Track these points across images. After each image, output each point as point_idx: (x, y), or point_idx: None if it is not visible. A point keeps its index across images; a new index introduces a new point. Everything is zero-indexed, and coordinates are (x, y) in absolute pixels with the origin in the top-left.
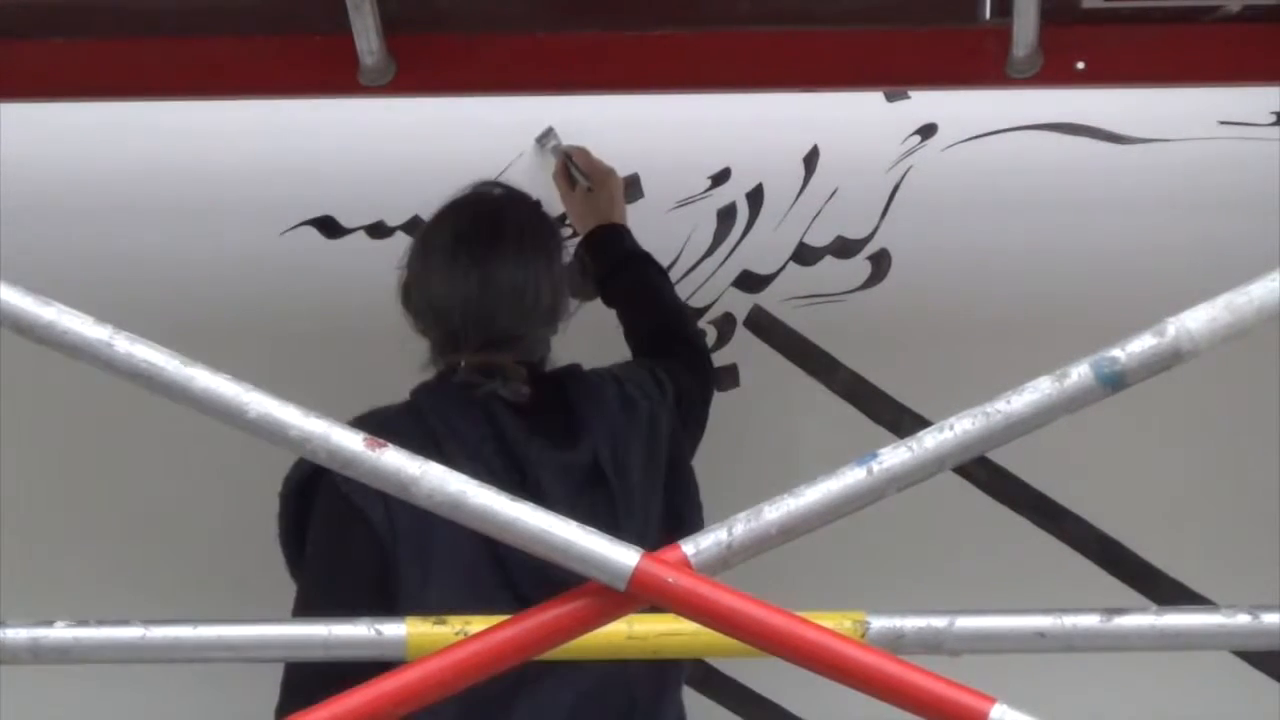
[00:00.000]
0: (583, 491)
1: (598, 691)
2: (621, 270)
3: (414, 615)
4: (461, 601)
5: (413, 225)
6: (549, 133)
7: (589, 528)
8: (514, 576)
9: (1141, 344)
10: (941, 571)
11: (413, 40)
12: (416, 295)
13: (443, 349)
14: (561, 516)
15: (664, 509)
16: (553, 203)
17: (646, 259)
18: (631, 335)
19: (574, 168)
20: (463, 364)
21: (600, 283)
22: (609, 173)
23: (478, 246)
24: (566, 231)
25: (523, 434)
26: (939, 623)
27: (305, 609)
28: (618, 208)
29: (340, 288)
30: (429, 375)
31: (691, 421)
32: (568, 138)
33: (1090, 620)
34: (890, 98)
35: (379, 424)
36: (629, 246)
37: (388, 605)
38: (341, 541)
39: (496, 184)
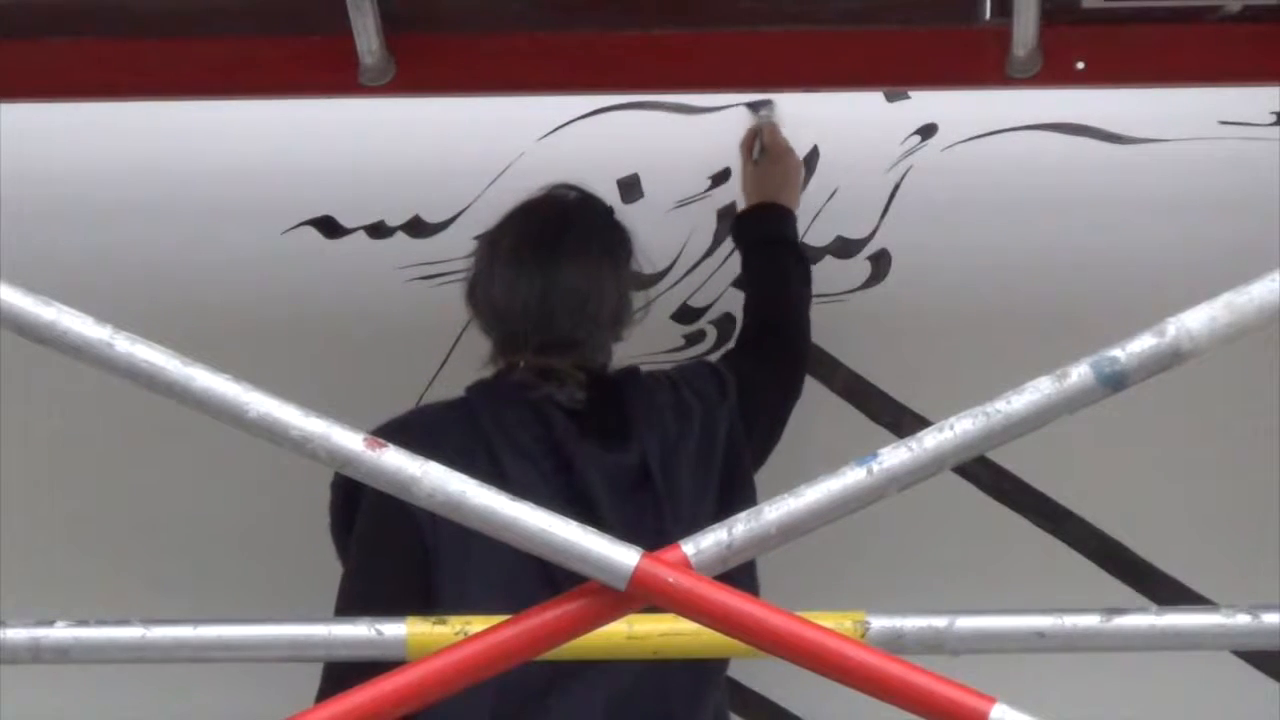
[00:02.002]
0: (631, 493)
1: (632, 692)
2: (764, 250)
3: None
4: (503, 600)
5: (413, 225)
6: (768, 104)
7: (589, 528)
8: (557, 577)
9: (1141, 344)
10: (941, 571)
11: (413, 40)
12: (480, 295)
13: (503, 349)
14: (562, 517)
15: (718, 510)
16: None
17: (793, 246)
18: (746, 313)
19: (758, 140)
20: (521, 365)
21: (743, 257)
22: (787, 151)
23: (542, 250)
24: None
25: (573, 435)
26: (939, 623)
27: (348, 597)
28: (788, 189)
29: (340, 288)
30: (486, 373)
31: (760, 422)
32: (568, 137)
33: (1090, 620)
34: (890, 98)
35: (428, 419)
36: (779, 229)
37: (428, 602)
38: (386, 533)
39: (572, 187)
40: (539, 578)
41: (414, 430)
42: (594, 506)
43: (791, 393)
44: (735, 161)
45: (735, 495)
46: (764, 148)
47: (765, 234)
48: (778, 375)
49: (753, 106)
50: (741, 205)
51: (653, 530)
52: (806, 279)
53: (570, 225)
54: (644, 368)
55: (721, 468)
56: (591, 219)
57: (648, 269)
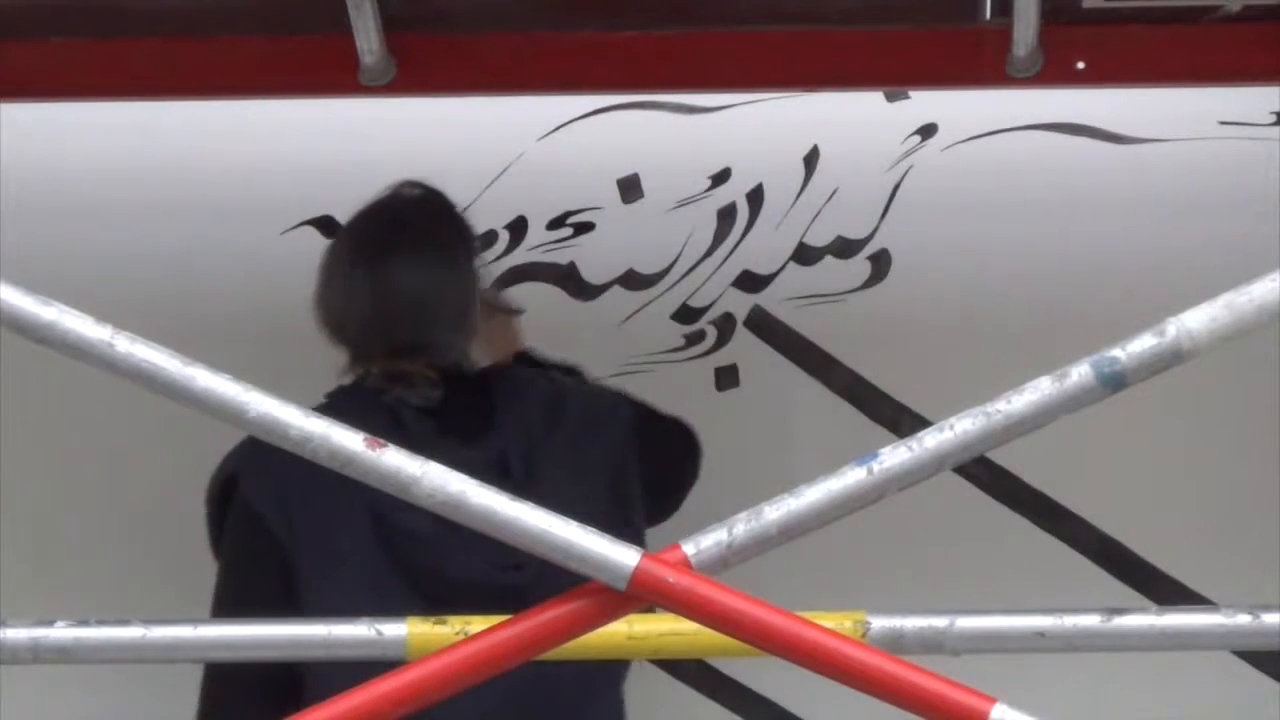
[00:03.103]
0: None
1: (518, 690)
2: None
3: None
4: (365, 604)
5: None
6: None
7: (589, 528)
8: (420, 581)
9: (1141, 344)
10: (941, 571)
11: (413, 40)
12: (319, 307)
13: (353, 358)
14: (562, 516)
15: (608, 517)
16: (557, 201)
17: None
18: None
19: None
20: (374, 371)
21: None
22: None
23: (374, 255)
24: None
25: (429, 433)
26: (939, 623)
27: (218, 612)
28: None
29: None
30: (346, 380)
31: (655, 469)
32: (567, 137)
33: (1090, 620)
34: (890, 98)
35: None
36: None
37: (293, 607)
38: (246, 545)
39: (415, 184)
40: (403, 583)
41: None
42: None
43: (689, 471)
44: (735, 161)
45: (617, 513)
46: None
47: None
48: (675, 451)
49: None
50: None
51: None
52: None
53: (402, 226)
54: (527, 372)
55: (604, 481)
56: (426, 217)
57: (647, 269)
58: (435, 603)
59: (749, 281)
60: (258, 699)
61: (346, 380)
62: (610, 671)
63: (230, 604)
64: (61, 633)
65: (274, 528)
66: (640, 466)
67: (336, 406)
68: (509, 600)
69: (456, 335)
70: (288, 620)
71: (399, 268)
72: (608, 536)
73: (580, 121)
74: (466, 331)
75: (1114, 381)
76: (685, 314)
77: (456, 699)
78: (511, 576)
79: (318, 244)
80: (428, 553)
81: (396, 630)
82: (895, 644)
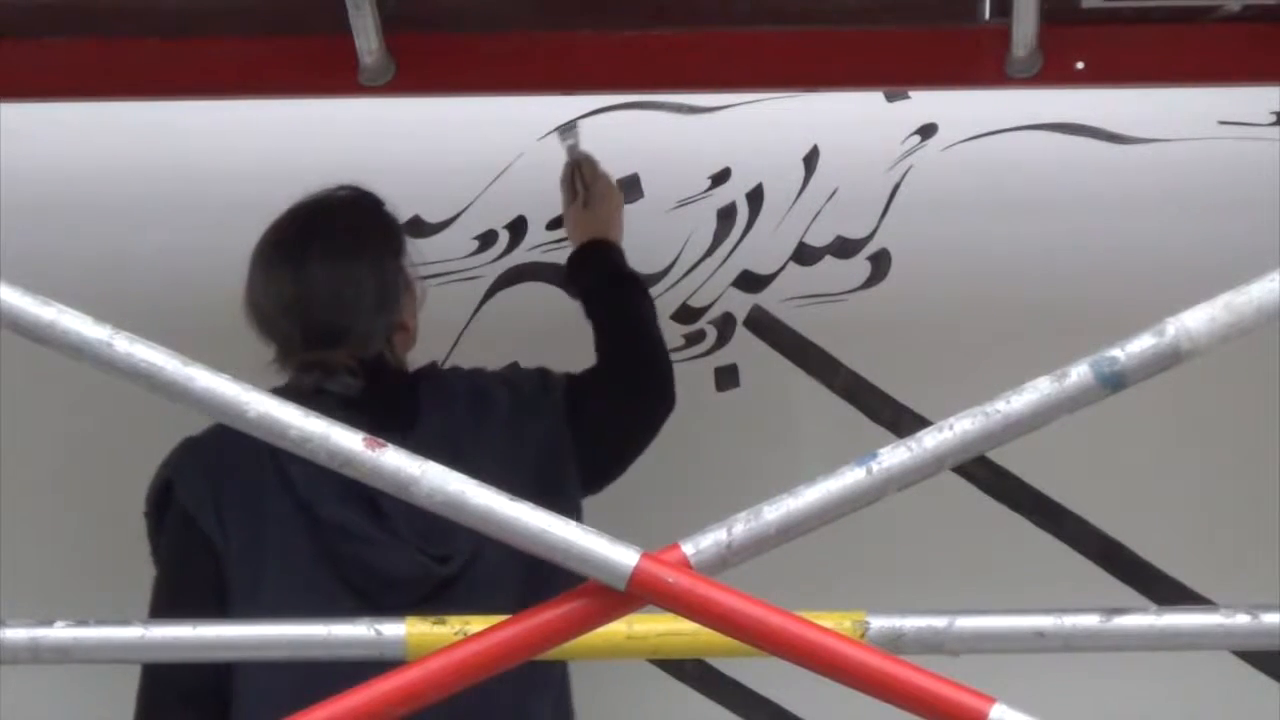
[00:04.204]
0: None
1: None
2: (606, 289)
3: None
4: (298, 602)
5: (413, 225)
6: (572, 129)
7: (589, 528)
8: (349, 574)
9: (1141, 344)
10: (941, 571)
11: (413, 40)
12: (246, 301)
13: (279, 352)
14: (561, 517)
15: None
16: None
17: (634, 280)
18: (598, 348)
19: (579, 178)
20: (295, 364)
21: (584, 298)
22: (609, 189)
23: (291, 247)
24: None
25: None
26: (939, 623)
27: (153, 606)
28: (614, 226)
29: None
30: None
31: (595, 441)
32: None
33: (1090, 620)
34: (890, 98)
35: (219, 430)
36: (616, 265)
37: (224, 606)
38: (180, 548)
39: (344, 186)
40: (334, 581)
41: (206, 444)
42: (374, 497)
43: (646, 422)
44: (735, 161)
45: (552, 495)
46: (586, 186)
47: (604, 274)
48: (622, 411)
49: (562, 132)
50: (577, 244)
51: (433, 518)
52: (653, 310)
53: (321, 222)
54: (545, 357)
55: (533, 468)
56: (346, 213)
57: (647, 269)
58: (368, 597)
59: (749, 281)
60: (187, 702)
61: (280, 381)
62: (546, 674)
63: (165, 607)
64: (61, 633)
65: (206, 529)
66: (581, 435)
67: None
68: (437, 592)
69: (376, 326)
70: (287, 620)
71: (316, 257)
72: (607, 536)
73: (580, 122)
74: (387, 324)
75: (1114, 381)
76: (685, 314)
77: None
78: (438, 569)
79: None
80: (359, 548)
81: (396, 630)
82: (895, 644)
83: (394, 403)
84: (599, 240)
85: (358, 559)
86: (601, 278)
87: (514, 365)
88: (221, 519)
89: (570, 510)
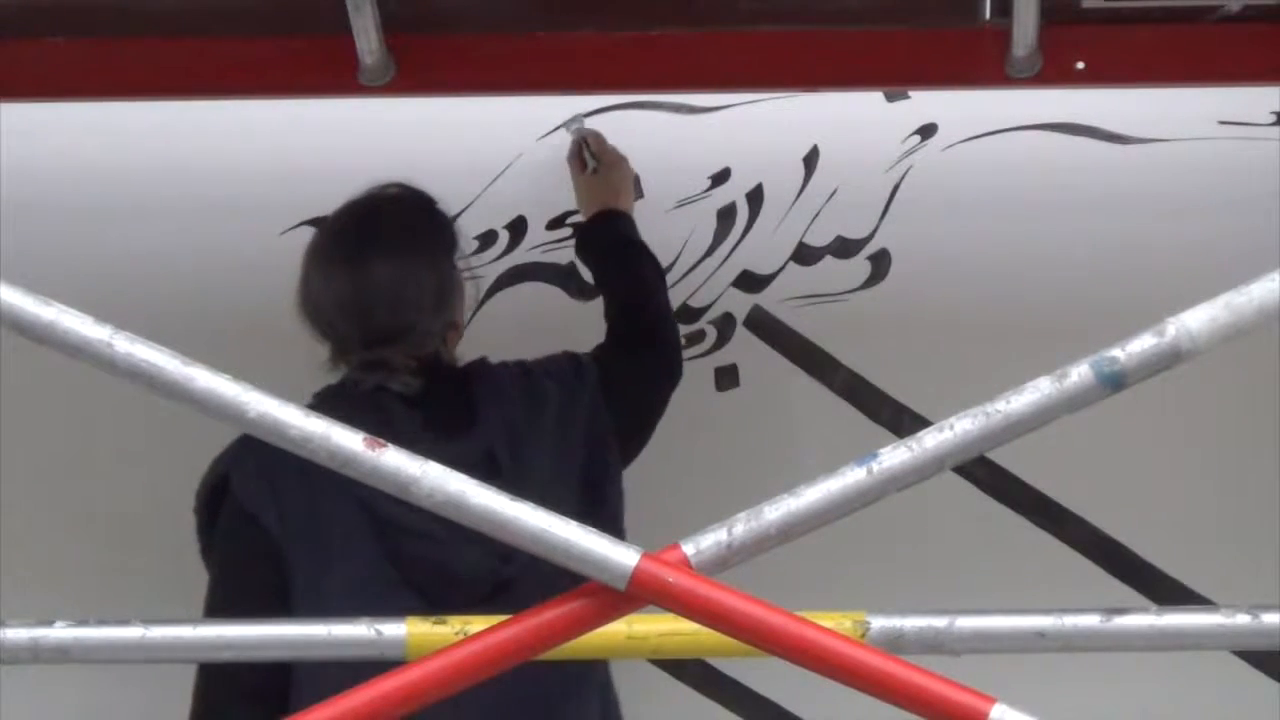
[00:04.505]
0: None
1: (511, 683)
2: (614, 255)
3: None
4: (360, 601)
5: None
6: (576, 119)
7: (589, 527)
8: (413, 576)
9: (1141, 344)
10: (941, 571)
11: (413, 40)
12: (301, 301)
13: (335, 351)
14: (561, 516)
15: (580, 495)
16: (557, 201)
17: (640, 248)
18: (607, 316)
19: (587, 150)
20: (353, 363)
21: (594, 266)
22: (619, 159)
23: (351, 245)
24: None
25: (415, 426)
26: (939, 623)
27: (211, 608)
28: (624, 195)
29: None
30: (332, 379)
31: (626, 411)
32: (568, 137)
33: (1090, 620)
34: (890, 98)
35: None
36: (625, 233)
37: (286, 607)
38: (239, 546)
39: (395, 184)
40: (396, 580)
41: (263, 443)
42: None
43: (663, 381)
44: (735, 161)
45: (599, 480)
46: (595, 157)
47: (612, 240)
48: (644, 367)
49: (567, 125)
50: (588, 214)
51: None
52: (660, 274)
53: (379, 220)
54: (494, 358)
55: (583, 453)
56: (403, 212)
57: None
58: (429, 595)
59: (749, 281)
60: (249, 701)
61: (332, 379)
62: (590, 670)
63: (225, 606)
64: (61, 633)
65: (268, 527)
66: (614, 408)
67: (323, 405)
68: (496, 592)
69: (434, 324)
70: (287, 620)
71: (376, 256)
72: (608, 536)
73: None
74: (444, 322)
75: (1114, 381)
76: (685, 314)
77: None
78: (503, 568)
79: None
80: (423, 546)
81: (396, 630)
82: (895, 644)
83: (452, 400)
84: (609, 210)
85: (425, 558)
86: (614, 244)
87: (551, 356)
88: (283, 518)
89: (618, 491)
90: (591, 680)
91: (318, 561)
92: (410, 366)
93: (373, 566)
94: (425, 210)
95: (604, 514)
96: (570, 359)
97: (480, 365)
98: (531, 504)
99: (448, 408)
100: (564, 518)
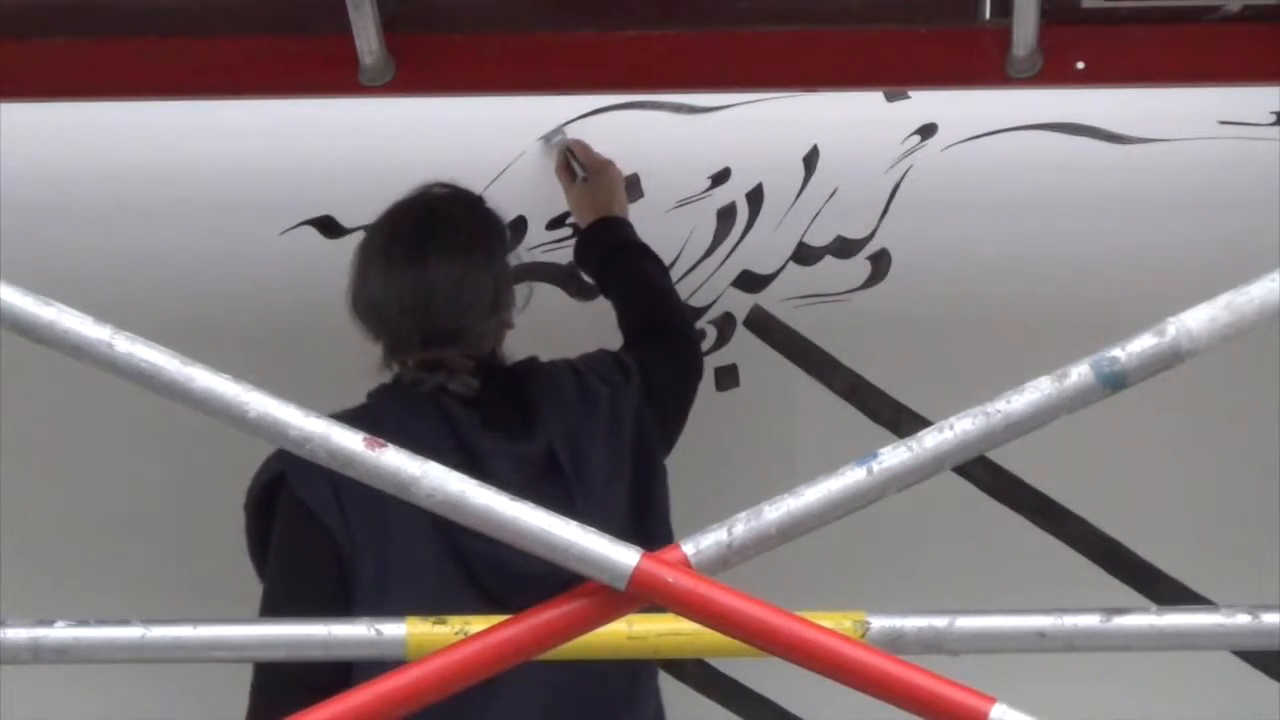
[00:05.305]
0: (538, 482)
1: (570, 684)
2: (615, 260)
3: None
4: (425, 601)
5: None
6: (557, 130)
7: (588, 528)
8: (479, 575)
9: (1141, 344)
10: (941, 571)
11: (413, 40)
12: (359, 301)
13: (391, 350)
14: (561, 516)
15: (631, 494)
16: (557, 201)
17: (641, 249)
18: (622, 323)
19: (573, 160)
20: (410, 363)
21: (597, 274)
22: (606, 164)
23: (410, 245)
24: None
25: (475, 426)
26: (939, 623)
27: (270, 609)
28: (616, 200)
29: (340, 288)
30: (385, 378)
31: (667, 408)
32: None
33: (1090, 620)
34: (890, 98)
35: None
36: (624, 237)
37: (348, 608)
38: (300, 546)
39: (442, 184)
40: (461, 579)
41: None
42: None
43: (692, 380)
44: (735, 161)
45: (648, 478)
46: (583, 166)
47: (613, 245)
48: (677, 363)
49: (546, 138)
50: (585, 223)
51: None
52: (665, 272)
53: (436, 220)
54: (544, 357)
55: (632, 452)
56: (458, 211)
57: None
58: (491, 596)
59: (749, 281)
60: (306, 701)
61: (385, 378)
62: (651, 676)
63: (286, 604)
64: (61, 633)
65: (330, 524)
66: (654, 404)
67: (381, 404)
68: (558, 591)
69: (491, 325)
70: (287, 620)
71: (436, 256)
72: (608, 536)
73: (580, 121)
74: (500, 320)
75: (1114, 381)
76: None
77: (507, 698)
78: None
79: (317, 244)
80: (491, 545)
81: (396, 630)
82: (895, 644)
83: (508, 400)
84: (605, 217)
85: (492, 557)
86: (612, 249)
87: (593, 354)
88: (346, 517)
89: (665, 490)
90: (649, 684)
91: (382, 564)
92: (468, 367)
93: (437, 569)
94: (477, 209)
95: (654, 514)
96: (613, 358)
97: (533, 364)
98: (531, 505)
99: (505, 408)
100: (564, 518)
